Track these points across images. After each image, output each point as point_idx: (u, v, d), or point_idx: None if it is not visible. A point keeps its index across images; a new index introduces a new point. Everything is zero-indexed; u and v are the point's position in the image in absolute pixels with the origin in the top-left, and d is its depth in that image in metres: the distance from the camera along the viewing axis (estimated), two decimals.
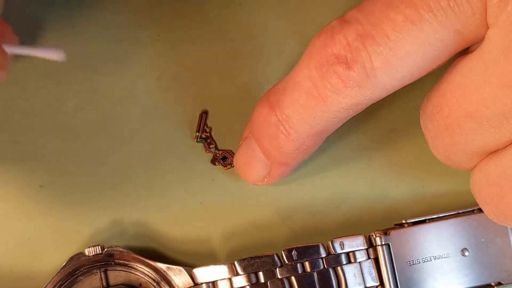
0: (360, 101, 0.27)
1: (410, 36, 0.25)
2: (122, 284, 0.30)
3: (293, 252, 0.30)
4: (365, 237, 0.31)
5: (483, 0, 0.24)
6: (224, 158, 0.33)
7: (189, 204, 0.33)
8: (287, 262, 0.30)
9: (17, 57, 0.29)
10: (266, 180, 0.31)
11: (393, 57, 0.25)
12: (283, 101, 0.28)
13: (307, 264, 0.30)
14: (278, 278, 0.30)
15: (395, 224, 0.32)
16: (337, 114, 0.27)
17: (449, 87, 0.26)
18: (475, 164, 0.27)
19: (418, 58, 0.26)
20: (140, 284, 0.31)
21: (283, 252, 0.30)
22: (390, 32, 0.25)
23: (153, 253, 0.32)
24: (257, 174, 0.31)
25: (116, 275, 0.30)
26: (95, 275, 0.30)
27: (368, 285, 0.30)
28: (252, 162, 0.31)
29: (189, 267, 0.31)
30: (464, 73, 0.25)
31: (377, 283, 0.30)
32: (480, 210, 0.31)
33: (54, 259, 0.32)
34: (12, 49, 0.28)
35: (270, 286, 0.30)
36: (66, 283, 0.30)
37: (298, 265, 0.30)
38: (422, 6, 0.25)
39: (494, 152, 0.26)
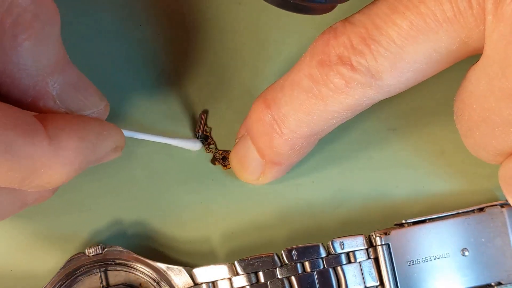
0: (362, 101, 0.27)
1: (416, 43, 0.25)
2: (122, 284, 0.30)
3: (293, 252, 0.30)
4: (365, 237, 0.31)
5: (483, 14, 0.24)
6: (224, 158, 0.33)
7: (189, 204, 0.33)
8: (287, 262, 0.30)
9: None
10: (260, 179, 0.31)
11: (400, 60, 0.26)
12: (280, 99, 0.28)
13: (307, 264, 0.30)
14: (278, 278, 0.30)
15: (395, 224, 0.32)
16: (335, 115, 0.28)
17: (465, 94, 0.27)
18: (501, 161, 0.28)
19: (423, 62, 0.26)
20: (140, 284, 0.31)
21: (283, 252, 0.30)
22: (396, 37, 0.25)
23: (153, 253, 0.32)
24: (252, 173, 0.31)
25: (116, 275, 0.30)
26: (95, 275, 0.30)
27: (368, 285, 0.30)
28: (246, 160, 0.31)
29: (189, 267, 0.31)
30: (473, 82, 0.26)
31: (377, 283, 0.30)
32: (480, 210, 0.31)
33: (54, 259, 0.32)
34: (134, 134, 0.30)
35: (270, 286, 0.30)
36: (66, 283, 0.30)
37: (298, 265, 0.30)
38: (428, 14, 0.25)
39: None
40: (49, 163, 0.23)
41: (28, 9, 0.23)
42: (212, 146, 0.33)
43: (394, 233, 0.31)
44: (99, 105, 0.27)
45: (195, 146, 0.32)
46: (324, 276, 0.30)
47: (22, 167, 0.22)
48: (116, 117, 0.33)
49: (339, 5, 0.28)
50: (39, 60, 0.24)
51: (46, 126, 0.23)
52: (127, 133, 0.29)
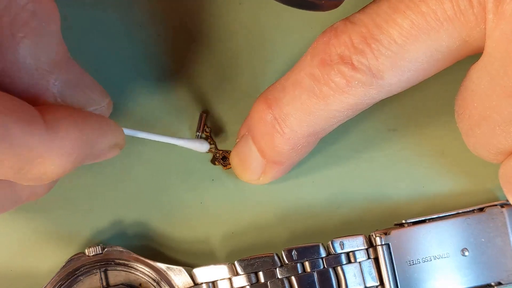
0: (363, 101, 0.27)
1: (417, 42, 0.25)
2: (122, 284, 0.30)
3: (293, 252, 0.30)
4: (365, 237, 0.31)
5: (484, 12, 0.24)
6: (224, 158, 0.33)
7: (189, 204, 0.33)
8: (287, 262, 0.30)
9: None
10: (261, 179, 0.31)
11: (401, 59, 0.26)
12: (281, 99, 0.28)
13: (307, 264, 0.30)
14: (278, 278, 0.30)
15: (395, 224, 0.32)
16: (336, 114, 0.28)
17: (467, 92, 0.27)
18: (501, 160, 0.28)
19: (424, 61, 0.26)
20: (140, 284, 0.31)
21: (283, 252, 0.30)
22: (397, 36, 0.25)
23: (153, 253, 0.32)
24: (252, 172, 0.31)
25: (116, 275, 0.30)
26: (95, 275, 0.30)
27: (368, 285, 0.30)
28: (247, 160, 0.31)
29: (189, 267, 0.31)
30: (474, 81, 0.26)
31: (377, 283, 0.30)
32: (480, 210, 0.31)
33: (54, 259, 0.32)
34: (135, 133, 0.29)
35: (270, 286, 0.30)
36: (66, 283, 0.30)
37: (298, 265, 0.30)
38: (429, 13, 0.25)
39: None
40: (46, 153, 0.23)
41: (25, 8, 0.23)
42: (212, 146, 0.33)
43: (394, 233, 0.31)
44: (102, 102, 0.27)
45: (202, 147, 0.32)
46: (324, 276, 0.30)
47: (18, 156, 0.22)
48: (116, 117, 0.33)
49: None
50: (39, 58, 0.24)
51: (44, 116, 0.23)
52: (130, 132, 0.29)
